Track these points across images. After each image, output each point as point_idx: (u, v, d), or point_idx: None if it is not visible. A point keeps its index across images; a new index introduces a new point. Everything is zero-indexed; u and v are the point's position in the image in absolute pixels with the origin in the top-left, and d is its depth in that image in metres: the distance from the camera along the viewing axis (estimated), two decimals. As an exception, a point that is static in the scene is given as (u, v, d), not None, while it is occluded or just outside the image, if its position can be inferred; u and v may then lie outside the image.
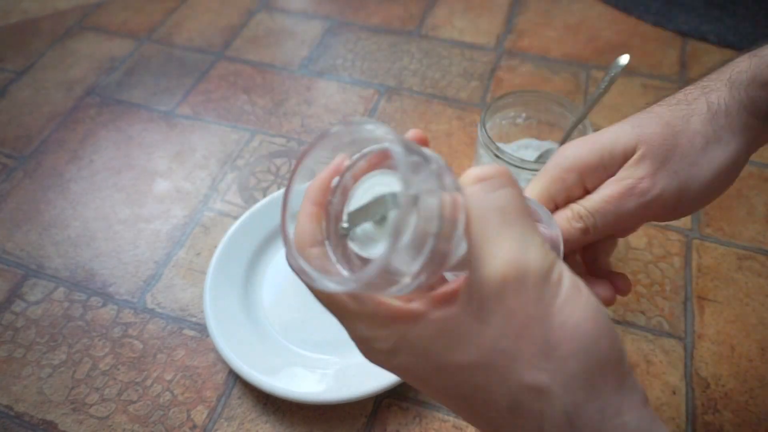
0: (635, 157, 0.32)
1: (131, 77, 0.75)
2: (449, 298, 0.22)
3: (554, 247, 0.29)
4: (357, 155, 0.23)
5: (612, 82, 0.49)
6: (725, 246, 0.56)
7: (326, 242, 0.23)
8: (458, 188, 0.22)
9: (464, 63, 0.76)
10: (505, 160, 0.48)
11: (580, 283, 0.21)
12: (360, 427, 0.45)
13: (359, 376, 0.45)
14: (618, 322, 0.52)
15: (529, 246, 0.21)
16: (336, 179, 0.24)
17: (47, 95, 0.73)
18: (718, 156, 0.32)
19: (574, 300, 0.21)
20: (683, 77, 0.72)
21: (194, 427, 0.46)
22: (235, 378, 0.48)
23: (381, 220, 0.21)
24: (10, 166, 0.65)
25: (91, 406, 0.47)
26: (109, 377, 0.49)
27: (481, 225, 0.21)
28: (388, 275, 0.19)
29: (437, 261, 0.21)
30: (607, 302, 0.34)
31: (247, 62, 0.77)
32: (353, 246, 0.22)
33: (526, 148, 0.57)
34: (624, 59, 0.48)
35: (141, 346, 0.50)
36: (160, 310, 0.53)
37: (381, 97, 0.72)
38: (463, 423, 0.45)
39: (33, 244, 0.58)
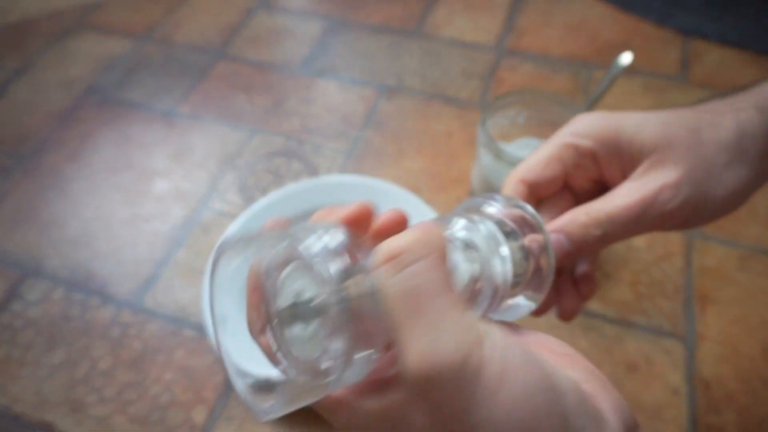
0: (657, 158, 0.30)
1: (131, 77, 0.75)
2: (389, 383, 0.21)
3: (538, 251, 0.26)
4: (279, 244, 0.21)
5: (613, 81, 0.49)
6: (727, 246, 0.56)
7: (267, 328, 0.22)
8: (366, 271, 0.19)
9: (464, 62, 0.76)
10: (505, 160, 0.48)
11: (511, 360, 0.19)
12: (360, 427, 0.45)
13: (359, 377, 0.45)
14: (619, 323, 0.51)
15: (440, 336, 0.18)
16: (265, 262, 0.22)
17: (46, 95, 0.73)
18: (740, 176, 0.31)
19: (500, 388, 0.18)
20: (684, 76, 0.72)
21: (194, 427, 0.45)
22: (235, 378, 0.48)
23: (304, 320, 0.20)
24: (8, 165, 0.65)
25: (90, 406, 0.47)
26: (108, 377, 0.48)
27: (391, 315, 0.19)
28: (312, 378, 0.19)
29: (359, 365, 0.19)
30: (572, 313, 0.33)
31: (246, 62, 0.77)
32: (288, 340, 0.21)
33: (526, 148, 0.57)
34: (626, 58, 0.48)
35: (140, 347, 0.50)
36: (159, 310, 0.52)
37: (381, 97, 0.72)
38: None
39: (32, 243, 0.58)
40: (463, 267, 0.23)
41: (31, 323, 0.52)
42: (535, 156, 0.32)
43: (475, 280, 0.23)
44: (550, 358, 0.21)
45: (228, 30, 0.81)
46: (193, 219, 0.59)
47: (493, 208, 0.26)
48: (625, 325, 0.51)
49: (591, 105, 0.51)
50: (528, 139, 0.58)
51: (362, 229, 0.23)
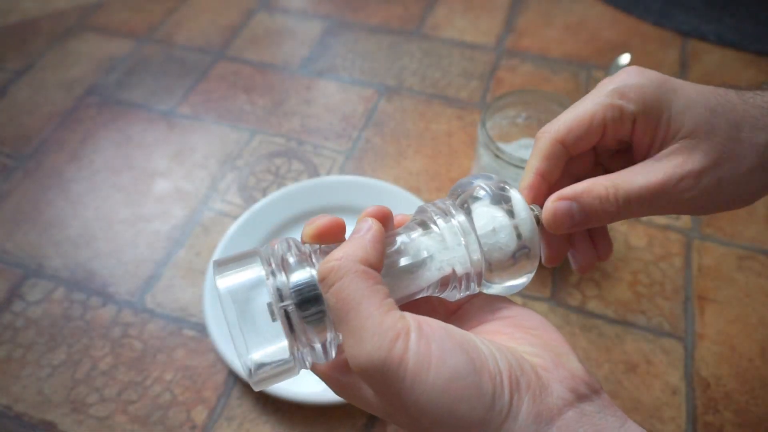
0: (690, 144, 0.29)
1: (131, 77, 0.75)
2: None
3: (513, 237, 0.26)
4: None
5: (612, 81, 0.49)
6: (726, 246, 0.56)
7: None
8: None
9: (464, 63, 0.76)
10: (505, 160, 0.48)
11: (435, 350, 0.22)
12: (360, 427, 0.45)
13: (359, 376, 0.45)
14: (618, 322, 0.51)
15: (361, 339, 0.22)
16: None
17: (47, 95, 0.73)
18: (762, 182, 0.30)
19: (421, 378, 0.21)
20: (683, 77, 0.72)
21: (194, 427, 0.46)
22: (235, 378, 0.48)
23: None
24: (10, 166, 0.65)
25: (91, 406, 0.47)
26: (108, 377, 0.49)
27: (333, 321, 0.24)
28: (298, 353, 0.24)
29: (323, 351, 0.25)
30: (587, 267, 0.33)
31: (247, 62, 0.77)
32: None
33: (526, 148, 0.57)
34: (624, 59, 0.48)
35: (141, 346, 0.50)
36: (159, 310, 0.53)
37: (381, 97, 0.72)
38: (463, 423, 0.45)
39: (33, 244, 0.58)
40: (434, 259, 0.26)
41: (32, 323, 0.52)
42: (575, 113, 0.30)
43: (441, 269, 0.26)
44: (514, 333, 0.25)
45: (228, 30, 0.82)
46: (193, 219, 0.60)
47: (482, 192, 0.27)
48: (625, 324, 0.51)
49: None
50: (528, 140, 0.58)
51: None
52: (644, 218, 0.57)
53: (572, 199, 0.28)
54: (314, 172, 0.64)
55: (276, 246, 0.25)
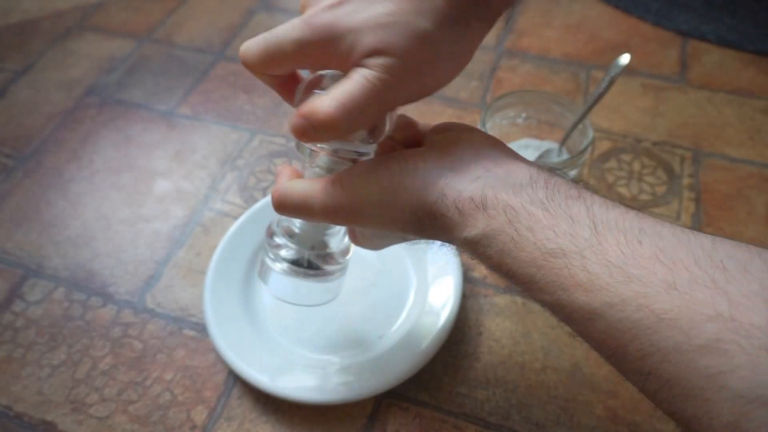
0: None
1: (131, 77, 0.75)
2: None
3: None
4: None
5: (612, 82, 0.49)
6: (725, 246, 0.56)
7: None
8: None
9: (464, 63, 0.76)
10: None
11: (358, 179, 0.32)
12: (360, 427, 0.45)
13: (359, 376, 0.45)
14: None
15: (313, 205, 0.32)
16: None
17: (47, 95, 0.73)
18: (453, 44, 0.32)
19: (354, 199, 0.32)
20: (683, 77, 0.72)
21: (194, 427, 0.46)
22: (235, 378, 0.48)
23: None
24: (9, 166, 0.65)
25: (91, 406, 0.47)
26: (108, 377, 0.49)
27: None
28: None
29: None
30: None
31: (247, 62, 0.77)
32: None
33: (526, 148, 0.57)
34: (624, 59, 0.48)
35: (141, 346, 0.50)
36: (160, 310, 0.53)
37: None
38: (462, 423, 0.45)
39: (33, 243, 0.58)
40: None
41: (32, 323, 0.52)
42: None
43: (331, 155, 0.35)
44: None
45: (228, 30, 0.82)
46: (193, 219, 0.60)
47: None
48: (625, 324, 0.51)
49: (591, 105, 0.51)
50: (527, 140, 0.58)
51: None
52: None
53: (302, 119, 0.30)
54: (314, 172, 0.64)
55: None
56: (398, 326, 0.50)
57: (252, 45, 0.32)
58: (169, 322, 0.52)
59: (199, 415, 0.46)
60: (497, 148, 0.32)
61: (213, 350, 0.50)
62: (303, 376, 0.46)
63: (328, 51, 0.30)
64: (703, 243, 0.25)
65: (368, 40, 0.29)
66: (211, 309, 0.49)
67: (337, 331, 0.50)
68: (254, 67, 0.32)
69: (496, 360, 0.48)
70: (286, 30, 0.32)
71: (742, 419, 0.20)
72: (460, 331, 0.50)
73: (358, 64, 0.29)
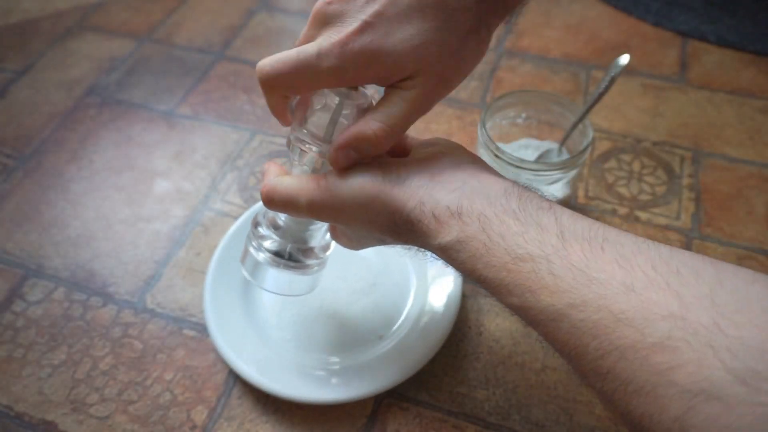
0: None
1: (131, 77, 0.75)
2: None
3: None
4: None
5: (612, 82, 0.49)
6: (725, 246, 0.56)
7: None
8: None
9: (464, 63, 0.76)
10: (504, 160, 0.48)
11: (344, 188, 0.33)
12: (360, 427, 0.45)
13: (359, 376, 0.45)
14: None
15: (299, 201, 0.35)
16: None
17: (47, 95, 0.73)
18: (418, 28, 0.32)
19: (339, 206, 0.33)
20: (683, 77, 0.72)
21: (194, 427, 0.46)
22: (235, 378, 0.48)
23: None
24: (10, 166, 0.65)
25: (91, 406, 0.47)
26: (109, 377, 0.49)
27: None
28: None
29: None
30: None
31: (247, 62, 0.77)
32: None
33: (526, 148, 0.57)
34: (624, 59, 0.48)
35: (141, 346, 0.50)
36: (160, 310, 0.53)
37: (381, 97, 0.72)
38: (462, 423, 0.45)
39: (33, 244, 0.58)
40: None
41: (32, 323, 0.52)
42: None
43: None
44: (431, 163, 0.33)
45: (228, 30, 0.82)
46: (193, 219, 0.60)
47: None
48: (624, 324, 0.51)
49: (591, 105, 0.51)
50: (527, 140, 0.58)
51: None
52: (643, 218, 0.58)
53: (347, 147, 0.33)
54: (314, 172, 0.64)
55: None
56: (398, 326, 0.50)
57: (276, 65, 0.32)
58: (169, 322, 0.52)
59: (199, 415, 0.46)
60: (476, 164, 0.33)
61: (213, 350, 0.50)
62: (303, 376, 0.46)
63: (366, 76, 0.32)
64: (661, 251, 0.26)
65: (406, 63, 0.31)
66: (211, 309, 0.49)
67: (337, 331, 0.50)
68: (276, 88, 0.34)
69: (496, 360, 0.48)
70: (320, 55, 0.31)
71: (688, 413, 0.21)
72: (460, 331, 0.50)
73: (395, 86, 0.32)
